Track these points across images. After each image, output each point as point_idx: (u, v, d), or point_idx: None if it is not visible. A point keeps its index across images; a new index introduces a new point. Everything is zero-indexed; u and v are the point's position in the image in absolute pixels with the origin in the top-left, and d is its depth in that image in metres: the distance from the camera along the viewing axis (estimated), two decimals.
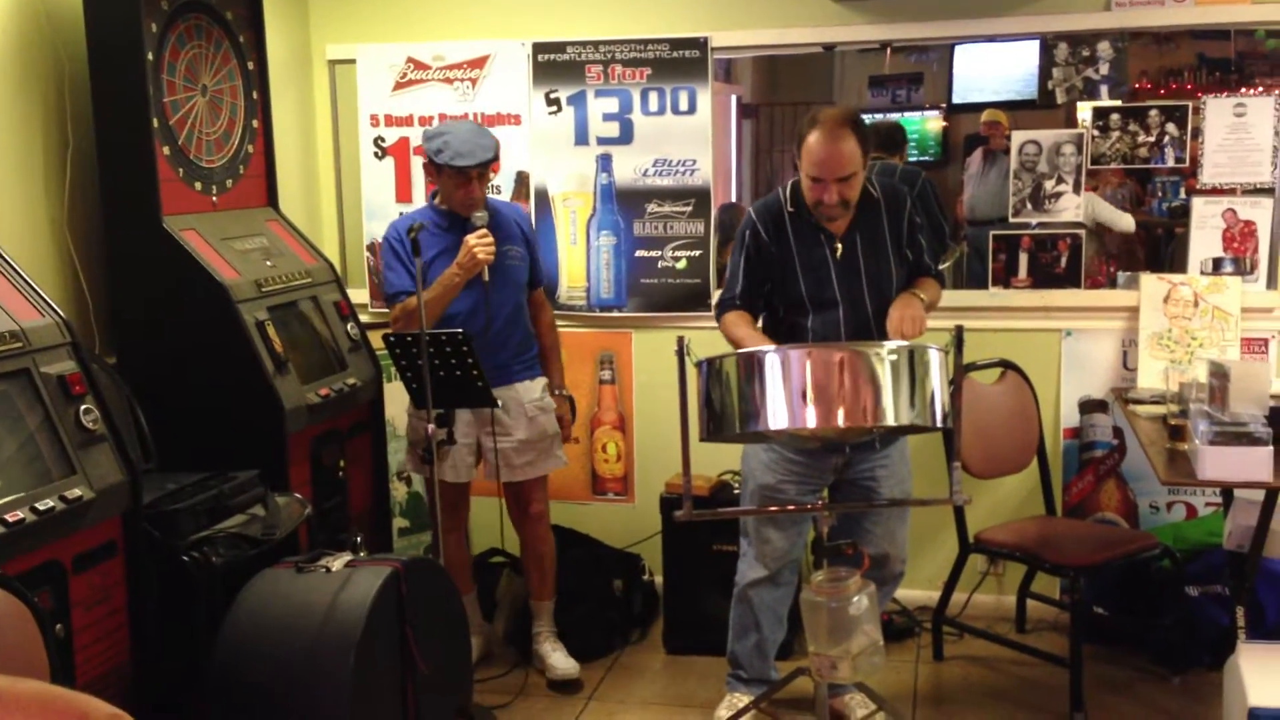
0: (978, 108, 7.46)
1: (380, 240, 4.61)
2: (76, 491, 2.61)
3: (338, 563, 2.93)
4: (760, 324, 3.38)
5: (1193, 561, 3.81)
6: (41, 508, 2.51)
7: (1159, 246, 5.95)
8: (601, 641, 4.14)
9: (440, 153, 3.62)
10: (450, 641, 3.16)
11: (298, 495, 3.36)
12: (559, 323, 4.19)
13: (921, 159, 8.49)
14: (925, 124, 8.65)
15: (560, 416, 3.93)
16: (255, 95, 3.85)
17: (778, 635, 3.57)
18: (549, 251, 4.48)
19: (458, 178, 3.64)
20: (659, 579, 4.32)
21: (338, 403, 3.65)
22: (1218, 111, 3.98)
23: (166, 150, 3.43)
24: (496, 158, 3.70)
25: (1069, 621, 3.59)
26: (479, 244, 3.57)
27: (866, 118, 8.43)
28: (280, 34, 4.30)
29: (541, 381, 3.89)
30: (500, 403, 3.67)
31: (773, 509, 3.37)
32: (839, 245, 3.27)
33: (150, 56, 3.34)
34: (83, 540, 2.66)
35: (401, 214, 4.19)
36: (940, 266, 5.65)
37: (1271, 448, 3.00)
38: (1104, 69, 4.06)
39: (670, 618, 4.18)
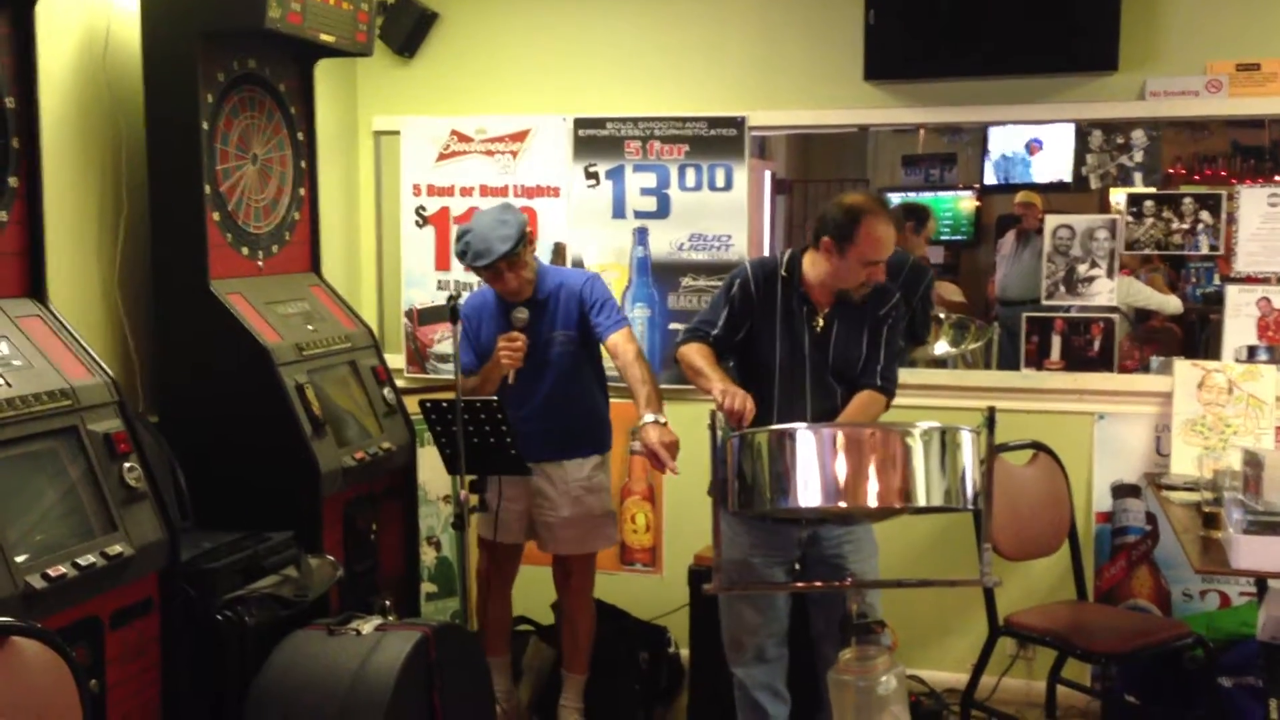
0: (1012, 188, 7.54)
1: (418, 306, 4.73)
2: (117, 548, 2.65)
3: (368, 626, 2.96)
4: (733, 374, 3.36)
5: (1226, 652, 3.77)
6: (83, 563, 2.55)
7: (1193, 332, 5.95)
8: (626, 715, 4.12)
9: (463, 255, 3.67)
10: (477, 708, 3.17)
11: (330, 557, 3.39)
12: None
13: (954, 239, 8.56)
14: (958, 203, 8.73)
15: (661, 442, 3.38)
16: (303, 164, 3.95)
17: (780, 711, 3.53)
18: None
19: (486, 273, 3.69)
20: (685, 652, 4.29)
21: (372, 467, 3.69)
22: (1252, 200, 4.01)
23: (216, 216, 3.52)
24: (518, 246, 3.59)
25: (1100, 709, 3.55)
26: (506, 348, 3.60)
27: (898, 196, 8.51)
28: (329, 105, 4.42)
29: (594, 460, 3.85)
30: (534, 472, 3.70)
31: (799, 586, 3.37)
32: (820, 321, 3.31)
33: (205, 126, 3.45)
34: (121, 596, 2.70)
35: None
36: (970, 347, 5.71)
37: None
38: (1138, 156, 4.11)
39: (695, 692, 4.15)
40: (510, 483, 3.76)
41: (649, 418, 3.47)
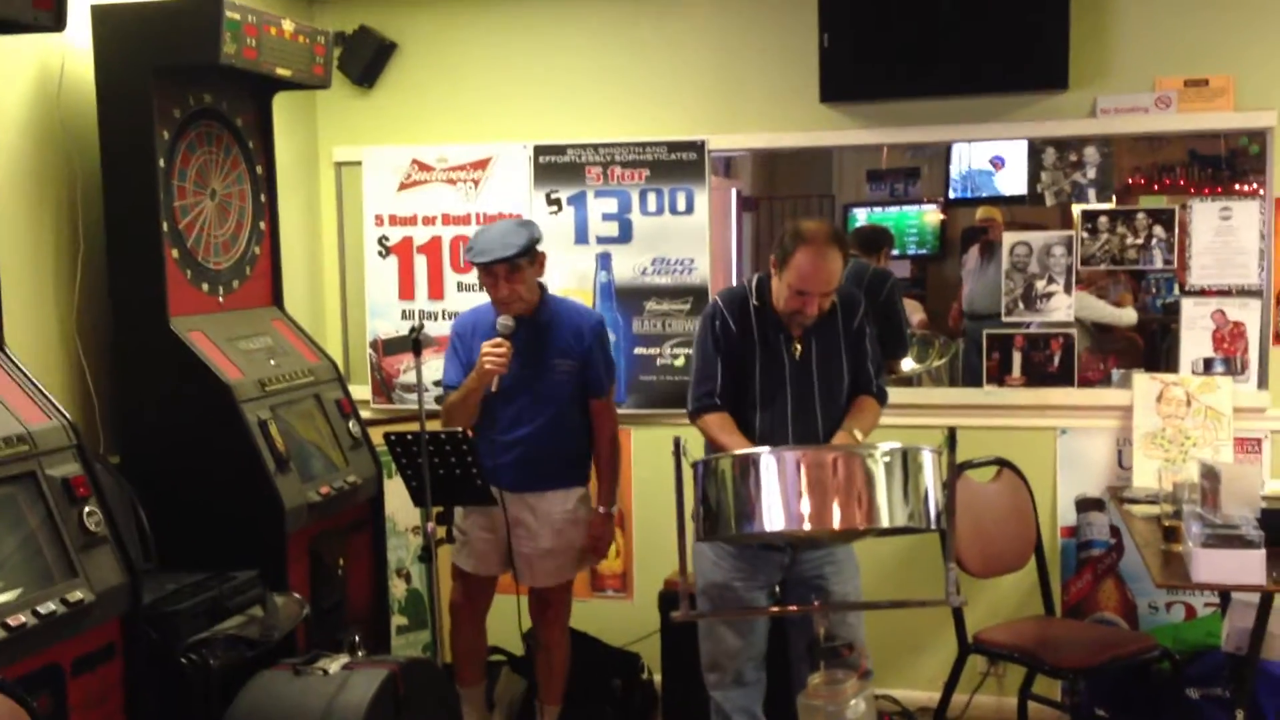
0: (974, 202, 7.59)
1: (383, 337, 4.72)
2: (78, 594, 2.63)
3: (335, 665, 2.94)
4: None
5: (1192, 663, 3.80)
6: (43, 611, 2.53)
7: (1154, 342, 6.00)
8: None
9: (469, 250, 3.69)
10: None
11: (296, 595, 3.37)
12: None
13: (919, 252, 8.61)
14: (924, 217, 8.78)
15: (597, 535, 3.80)
16: (263, 198, 3.94)
17: None
18: None
19: (485, 275, 3.65)
20: (658, 677, 4.29)
21: (338, 501, 3.68)
22: (1204, 215, 4.07)
23: (175, 253, 3.51)
24: (519, 256, 3.58)
25: None
26: (489, 353, 3.56)
27: (863, 211, 8.52)
28: (289, 137, 4.41)
29: (579, 493, 3.82)
30: (514, 501, 3.70)
31: (774, 609, 3.38)
32: (797, 346, 3.32)
33: (162, 163, 3.44)
34: (83, 643, 2.67)
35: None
36: (935, 364, 5.74)
37: (1264, 550, 3.02)
38: (1091, 173, 4.16)
39: (669, 717, 4.15)
40: (486, 513, 3.74)
41: (601, 509, 3.81)
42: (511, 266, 3.59)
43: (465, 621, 3.92)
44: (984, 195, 7.73)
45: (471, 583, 3.86)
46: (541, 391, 3.70)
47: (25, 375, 2.86)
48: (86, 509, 2.75)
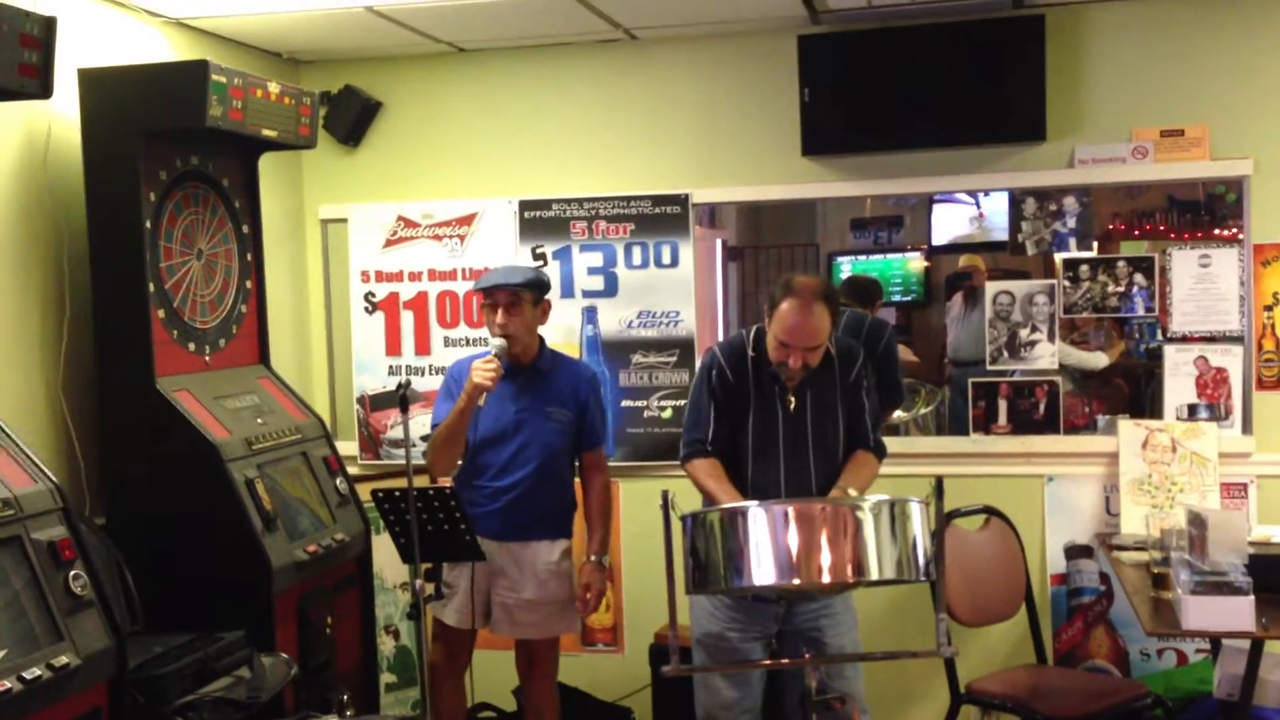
0: (959, 249, 7.66)
1: (370, 393, 4.72)
2: (64, 659, 2.60)
3: None
4: None
5: (1185, 710, 3.80)
6: (29, 676, 2.50)
7: (1139, 387, 6.04)
8: None
9: (477, 282, 3.78)
10: None
11: (284, 655, 3.34)
12: None
13: (905, 299, 8.66)
14: (908, 265, 8.84)
15: (588, 584, 3.77)
16: (249, 257, 3.96)
17: None
18: None
19: (487, 304, 3.69)
20: None
21: (326, 559, 3.66)
22: (1183, 262, 4.12)
23: (161, 313, 3.52)
24: (523, 287, 3.63)
25: None
26: (480, 367, 3.56)
27: (848, 260, 8.55)
28: (275, 196, 4.44)
29: (563, 545, 3.80)
30: (498, 550, 3.68)
31: (766, 662, 3.36)
32: (792, 399, 3.32)
33: (148, 224, 3.45)
34: (69, 708, 2.64)
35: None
36: (922, 412, 5.75)
37: (1252, 597, 3.03)
38: (1070, 222, 4.21)
39: None
40: (465, 565, 3.71)
41: (593, 558, 3.77)
42: (513, 296, 3.63)
43: (444, 679, 3.86)
44: (966, 242, 7.81)
45: (452, 637, 3.81)
46: (536, 438, 3.71)
47: (11, 438, 2.85)
48: (72, 573, 2.73)
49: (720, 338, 8.08)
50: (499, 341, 3.63)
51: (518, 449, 3.70)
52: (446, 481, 3.74)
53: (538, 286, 3.70)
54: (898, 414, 5.60)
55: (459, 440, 3.67)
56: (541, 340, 3.80)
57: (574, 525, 3.87)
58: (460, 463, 3.74)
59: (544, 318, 3.78)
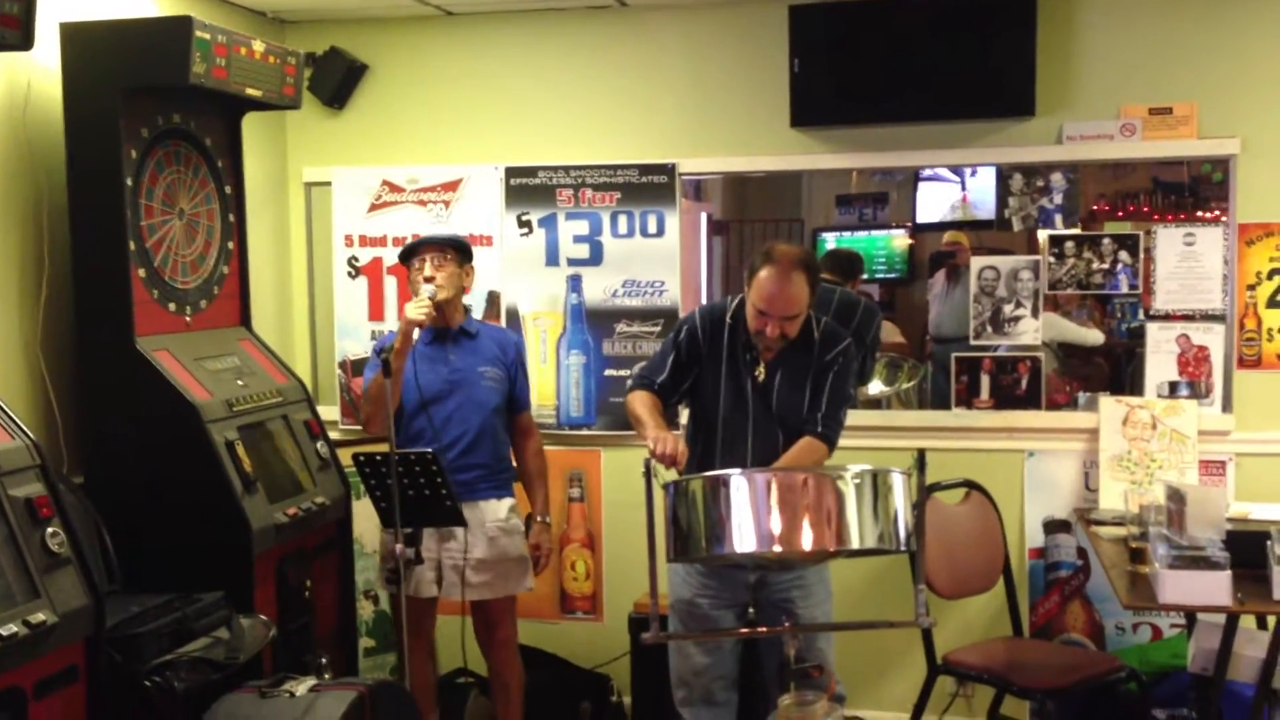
0: (941, 227, 7.67)
1: (351, 358, 4.70)
2: (40, 616, 2.59)
3: (301, 687, 2.91)
4: (686, 419, 3.53)
5: (1159, 684, 3.83)
6: (5, 633, 2.48)
7: (1120, 366, 6.07)
8: None
9: (401, 250, 3.90)
10: None
11: (262, 617, 3.33)
12: None
13: (888, 276, 8.67)
14: (892, 241, 8.84)
15: (538, 544, 3.90)
16: (232, 218, 3.92)
17: None
18: None
19: (415, 264, 3.77)
20: (628, 700, 4.28)
21: (305, 522, 3.64)
22: (1168, 240, 4.13)
23: (142, 272, 3.48)
24: (448, 246, 3.79)
25: None
26: (412, 304, 3.67)
27: (832, 236, 8.54)
28: (258, 157, 4.39)
29: (509, 502, 3.86)
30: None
31: (743, 630, 3.37)
32: (761, 370, 3.33)
33: (129, 182, 3.41)
34: (45, 665, 2.63)
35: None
36: (904, 386, 5.77)
37: (1229, 572, 3.05)
38: (1057, 199, 4.21)
39: None
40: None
41: (540, 519, 3.91)
42: (439, 251, 3.76)
43: (412, 652, 3.82)
44: (950, 220, 7.82)
45: (413, 608, 3.75)
46: (472, 397, 3.80)
47: None
48: (49, 530, 2.71)
49: None
50: (428, 288, 3.70)
51: (455, 408, 3.77)
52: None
53: (463, 249, 3.84)
54: (880, 387, 5.63)
55: (395, 390, 3.64)
56: (467, 308, 3.96)
57: (513, 483, 3.92)
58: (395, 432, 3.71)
59: (468, 281, 3.89)
